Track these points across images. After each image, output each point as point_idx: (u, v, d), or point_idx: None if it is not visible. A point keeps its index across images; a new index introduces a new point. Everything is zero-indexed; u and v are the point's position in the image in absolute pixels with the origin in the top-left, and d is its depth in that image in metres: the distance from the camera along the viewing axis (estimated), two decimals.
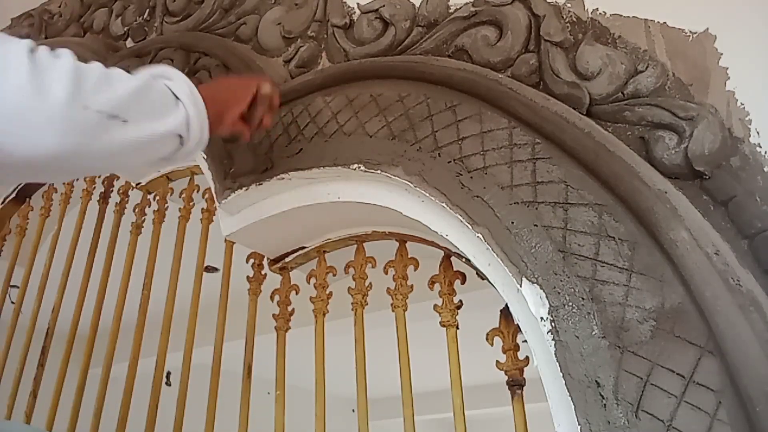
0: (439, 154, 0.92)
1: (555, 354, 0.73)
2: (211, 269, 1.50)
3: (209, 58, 1.31)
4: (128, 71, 0.69)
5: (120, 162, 0.71)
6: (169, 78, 0.73)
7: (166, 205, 1.52)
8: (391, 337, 1.01)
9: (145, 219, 1.54)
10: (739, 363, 0.63)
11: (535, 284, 0.77)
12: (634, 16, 0.87)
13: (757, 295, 0.66)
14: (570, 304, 0.74)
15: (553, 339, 0.73)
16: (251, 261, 1.26)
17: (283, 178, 1.06)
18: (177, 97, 0.70)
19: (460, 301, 0.99)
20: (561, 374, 0.71)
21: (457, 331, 0.97)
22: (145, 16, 1.58)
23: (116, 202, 1.61)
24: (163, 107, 0.68)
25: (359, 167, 0.98)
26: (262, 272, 1.26)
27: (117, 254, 1.53)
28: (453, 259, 1.01)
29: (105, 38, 1.65)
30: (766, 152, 0.73)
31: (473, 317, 1.20)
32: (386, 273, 1.08)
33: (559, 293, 0.75)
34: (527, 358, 0.86)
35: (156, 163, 0.76)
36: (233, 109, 0.87)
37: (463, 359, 0.94)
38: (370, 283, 1.11)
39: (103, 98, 0.59)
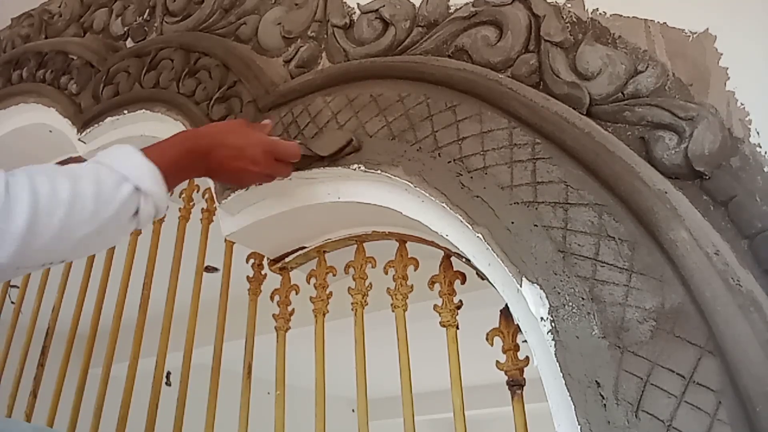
0: (439, 154, 0.92)
1: (555, 354, 0.73)
2: (211, 269, 1.50)
3: (209, 58, 1.31)
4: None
5: (81, 251, 0.75)
6: (115, 158, 0.76)
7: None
8: (391, 337, 1.01)
9: None
10: (739, 363, 0.63)
11: (535, 284, 0.77)
12: (634, 16, 0.87)
13: (757, 295, 0.66)
14: (570, 304, 0.74)
15: (553, 339, 0.73)
16: (251, 261, 1.26)
17: (283, 178, 1.06)
18: (123, 177, 0.74)
19: (460, 301, 0.99)
20: (561, 374, 0.71)
21: (457, 331, 0.97)
22: (145, 16, 1.58)
23: None
24: (106, 197, 0.72)
25: (359, 167, 0.98)
26: (262, 272, 1.26)
27: (117, 254, 1.53)
28: (453, 259, 1.01)
29: (105, 38, 1.65)
30: (766, 152, 0.73)
31: (473, 317, 1.20)
32: (386, 273, 1.08)
33: (559, 293, 0.75)
34: (527, 358, 0.86)
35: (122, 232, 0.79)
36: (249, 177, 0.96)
37: (463, 359, 0.94)
38: (370, 283, 1.11)
39: (54, 221, 0.66)
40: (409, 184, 0.92)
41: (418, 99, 0.98)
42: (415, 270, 1.07)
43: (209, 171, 0.91)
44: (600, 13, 0.90)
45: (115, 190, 0.72)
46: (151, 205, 0.77)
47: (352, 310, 1.09)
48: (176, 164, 0.82)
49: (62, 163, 1.79)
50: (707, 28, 0.81)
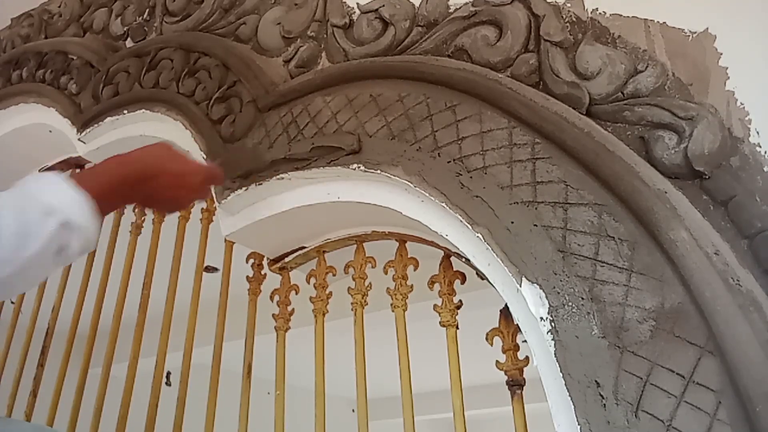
0: (438, 154, 0.92)
1: (555, 354, 0.73)
2: (211, 269, 1.50)
3: (209, 58, 1.31)
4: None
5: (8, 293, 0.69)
6: (41, 187, 0.68)
7: None
8: (391, 337, 1.01)
9: (145, 219, 1.54)
10: (739, 363, 0.63)
11: (535, 284, 0.77)
12: (634, 16, 0.87)
13: (757, 295, 0.66)
14: (570, 304, 0.74)
15: (552, 339, 0.73)
16: (251, 261, 1.26)
17: (283, 178, 1.06)
18: (49, 209, 0.65)
19: (460, 301, 0.99)
20: (561, 374, 0.71)
21: (457, 331, 0.97)
22: (144, 16, 1.58)
23: None
24: (28, 232, 0.64)
25: (359, 167, 0.98)
26: (262, 272, 1.26)
27: (117, 254, 1.53)
28: (453, 259, 1.01)
29: (105, 38, 1.65)
30: (766, 152, 0.73)
31: (473, 317, 1.20)
32: (386, 273, 1.08)
33: (558, 293, 0.75)
34: (527, 358, 0.86)
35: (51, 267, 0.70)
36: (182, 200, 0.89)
37: (463, 359, 0.94)
38: (370, 283, 1.11)
39: None
40: (409, 184, 0.92)
41: (417, 99, 0.98)
42: (415, 270, 1.07)
43: (144, 198, 0.84)
44: (600, 13, 0.90)
45: (39, 225, 0.63)
46: (81, 239, 0.68)
47: (352, 310, 1.09)
48: (110, 192, 0.74)
49: (62, 163, 1.79)
50: (707, 28, 0.81)
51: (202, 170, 0.89)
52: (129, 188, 0.78)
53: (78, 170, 1.78)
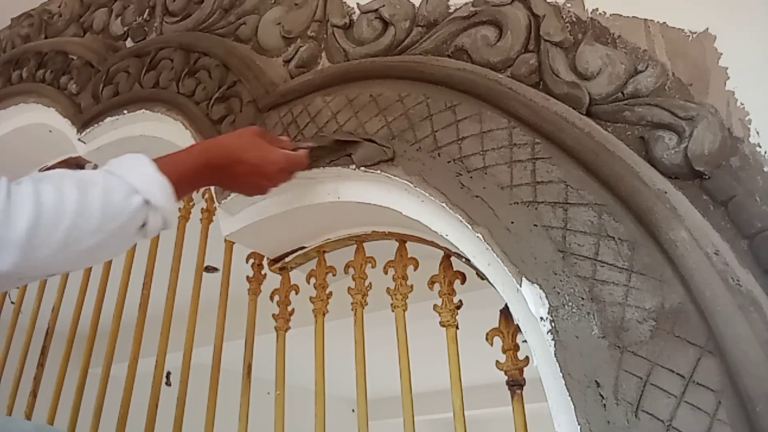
0: (438, 154, 0.92)
1: (555, 354, 0.73)
2: (211, 269, 1.50)
3: (209, 58, 1.31)
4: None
5: (83, 262, 0.74)
6: (127, 168, 0.76)
7: None
8: (391, 337, 1.01)
9: None
10: (739, 363, 0.63)
11: (535, 284, 0.77)
12: (634, 16, 0.87)
13: (757, 295, 0.66)
14: (570, 304, 0.74)
15: (552, 339, 0.73)
16: (251, 261, 1.26)
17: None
18: (133, 189, 0.73)
19: (460, 301, 0.99)
20: (561, 374, 0.71)
21: (457, 331, 0.97)
22: (144, 16, 1.58)
23: None
24: (114, 209, 0.71)
25: (359, 167, 0.98)
26: (262, 272, 1.26)
27: None
28: (453, 259, 1.01)
29: (105, 38, 1.65)
30: (766, 152, 0.73)
31: (473, 317, 1.20)
32: (386, 273, 1.08)
33: (558, 293, 0.75)
34: (527, 358, 0.86)
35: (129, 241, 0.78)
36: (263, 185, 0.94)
37: (463, 359, 0.94)
38: (370, 283, 1.11)
39: (59, 232, 0.65)
40: (409, 184, 0.92)
41: (417, 99, 0.98)
42: (414, 270, 1.07)
43: (221, 182, 0.93)
44: (600, 13, 0.90)
45: (123, 202, 0.71)
46: (159, 218, 0.76)
47: (352, 310, 1.09)
48: (189, 177, 0.83)
49: (62, 163, 1.79)
50: (707, 28, 0.81)
51: (281, 159, 0.92)
52: (207, 174, 0.86)
53: (77, 168, 1.78)
